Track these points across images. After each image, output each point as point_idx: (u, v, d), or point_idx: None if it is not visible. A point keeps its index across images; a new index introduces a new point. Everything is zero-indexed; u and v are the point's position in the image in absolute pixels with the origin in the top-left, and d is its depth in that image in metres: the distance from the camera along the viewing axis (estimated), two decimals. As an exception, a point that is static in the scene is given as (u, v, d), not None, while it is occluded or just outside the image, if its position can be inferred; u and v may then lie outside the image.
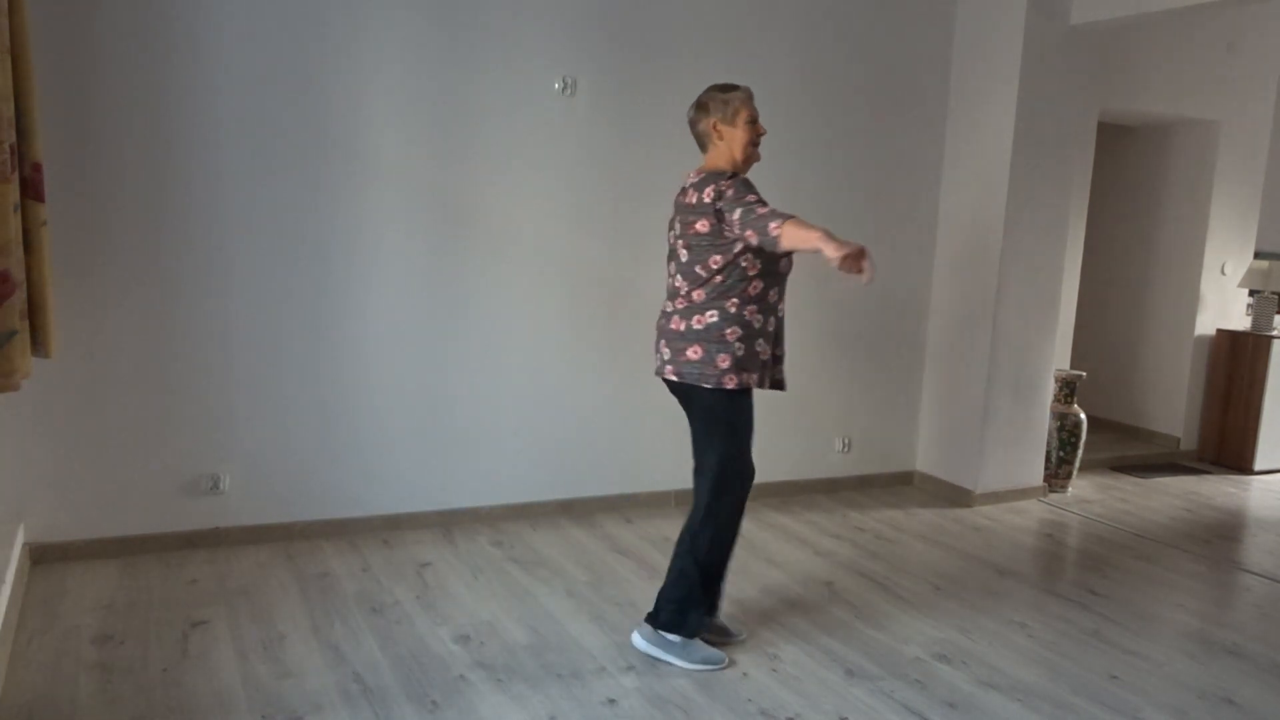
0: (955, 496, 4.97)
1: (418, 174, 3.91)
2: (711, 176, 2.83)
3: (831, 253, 2.49)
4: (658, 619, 2.98)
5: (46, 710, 2.54)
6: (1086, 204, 5.65)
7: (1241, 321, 6.26)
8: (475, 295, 4.08)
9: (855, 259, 2.50)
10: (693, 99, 4.31)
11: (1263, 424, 5.88)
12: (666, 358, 2.92)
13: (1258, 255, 6.33)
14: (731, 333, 2.81)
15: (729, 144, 2.90)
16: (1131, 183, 6.51)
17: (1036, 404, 5.01)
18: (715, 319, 2.82)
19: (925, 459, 5.19)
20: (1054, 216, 4.86)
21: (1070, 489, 5.25)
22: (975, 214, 4.86)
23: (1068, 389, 5.25)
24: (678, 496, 4.61)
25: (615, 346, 4.38)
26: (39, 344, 3.12)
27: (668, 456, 4.56)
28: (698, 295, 2.85)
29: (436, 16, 3.85)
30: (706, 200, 2.79)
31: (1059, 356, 5.53)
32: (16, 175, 2.84)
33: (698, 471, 2.98)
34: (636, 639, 3.03)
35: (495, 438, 4.21)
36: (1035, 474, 5.09)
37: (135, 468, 3.63)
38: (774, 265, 2.85)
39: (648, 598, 3.43)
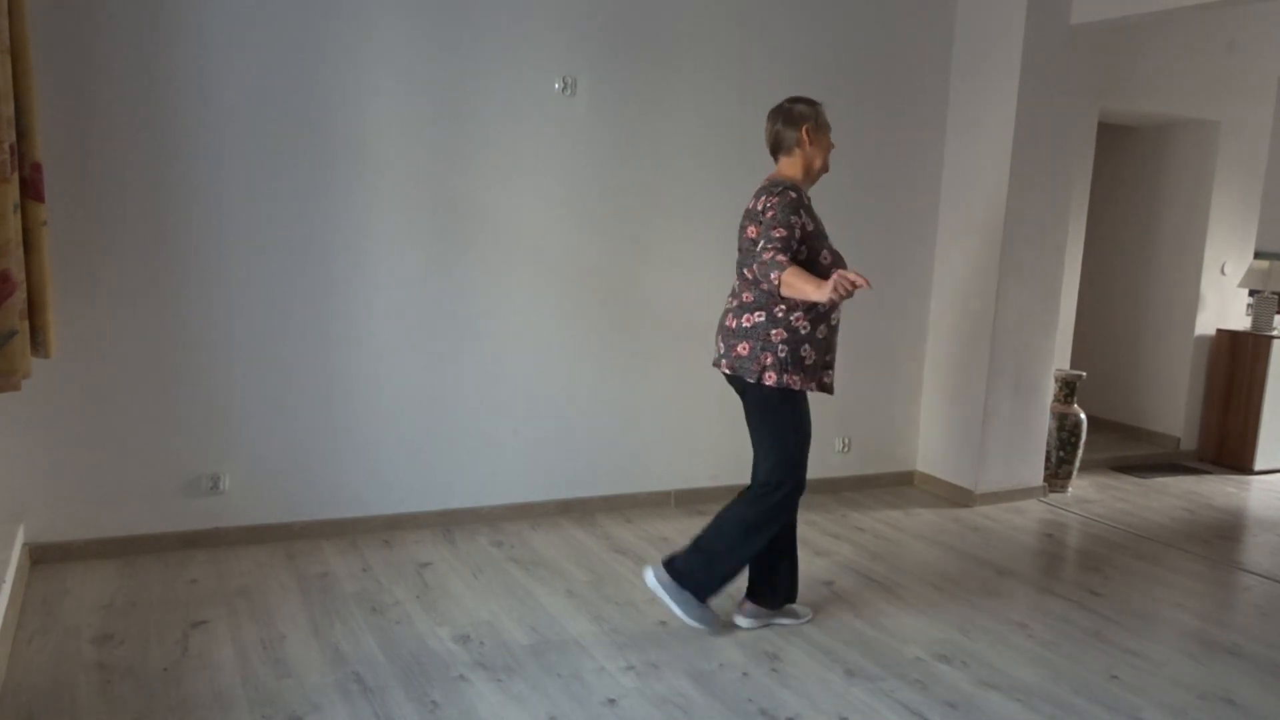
0: (955, 496, 4.97)
1: (418, 174, 3.91)
2: (772, 186, 2.98)
3: (823, 298, 2.68)
4: (685, 575, 3.07)
5: (46, 710, 2.54)
6: (1086, 204, 5.64)
7: (1241, 321, 6.26)
8: (475, 295, 4.08)
9: (842, 288, 2.65)
10: (692, 99, 4.40)
11: (1263, 424, 5.88)
12: (722, 351, 3.09)
13: (1258, 255, 6.33)
14: (776, 334, 2.96)
15: (816, 151, 3.05)
16: (1131, 183, 6.51)
17: (1036, 404, 5.01)
18: (762, 319, 2.98)
19: (925, 459, 5.19)
20: (1054, 216, 4.86)
21: (1070, 489, 5.25)
22: (975, 214, 4.86)
23: (1068, 389, 5.25)
24: (678, 496, 4.61)
25: (615, 346, 4.38)
26: (39, 344, 3.12)
27: (668, 456, 4.56)
28: (747, 297, 3.03)
29: (437, 17, 3.85)
30: (758, 209, 2.96)
31: (1059, 356, 5.52)
32: (16, 175, 2.85)
33: (755, 467, 3.12)
34: (649, 578, 3.10)
35: (495, 438, 4.21)
36: (1035, 474, 5.09)
37: (135, 468, 3.63)
38: (822, 275, 2.93)
39: (648, 597, 3.43)
